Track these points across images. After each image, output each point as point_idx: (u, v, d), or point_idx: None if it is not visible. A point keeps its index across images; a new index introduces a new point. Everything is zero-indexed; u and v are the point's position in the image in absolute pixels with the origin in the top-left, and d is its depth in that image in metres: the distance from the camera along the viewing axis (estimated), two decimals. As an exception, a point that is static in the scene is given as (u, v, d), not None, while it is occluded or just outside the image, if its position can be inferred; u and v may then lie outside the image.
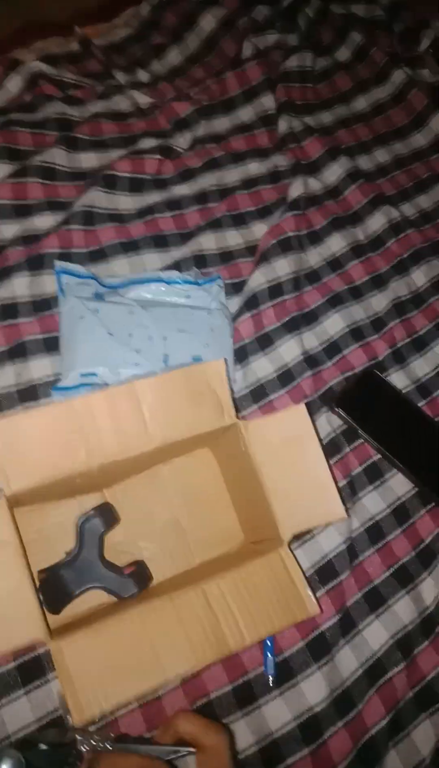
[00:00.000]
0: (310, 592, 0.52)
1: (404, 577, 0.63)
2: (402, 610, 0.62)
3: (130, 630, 0.48)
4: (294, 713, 0.56)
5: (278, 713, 0.56)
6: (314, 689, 0.57)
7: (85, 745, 0.48)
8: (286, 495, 0.54)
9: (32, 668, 0.53)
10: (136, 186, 0.80)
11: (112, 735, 0.50)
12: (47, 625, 0.47)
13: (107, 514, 0.55)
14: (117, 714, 0.53)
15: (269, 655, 0.57)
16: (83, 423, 0.50)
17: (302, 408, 0.58)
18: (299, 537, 0.63)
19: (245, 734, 0.55)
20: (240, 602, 0.50)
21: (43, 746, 0.47)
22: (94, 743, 0.48)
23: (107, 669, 0.46)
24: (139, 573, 0.55)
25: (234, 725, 0.55)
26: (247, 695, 0.56)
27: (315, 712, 0.56)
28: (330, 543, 0.63)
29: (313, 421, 0.68)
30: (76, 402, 0.50)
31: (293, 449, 0.56)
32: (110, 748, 0.48)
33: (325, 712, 0.56)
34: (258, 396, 0.70)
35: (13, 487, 0.47)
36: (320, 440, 0.56)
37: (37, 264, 0.70)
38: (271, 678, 0.57)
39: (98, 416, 0.50)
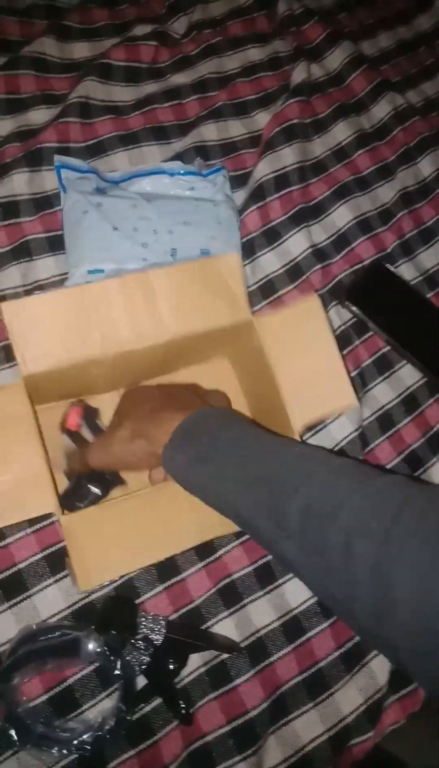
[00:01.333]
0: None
1: (414, 462, 0.65)
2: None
3: (140, 507, 0.49)
4: (313, 590, 0.58)
5: (297, 590, 0.58)
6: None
7: (143, 628, 0.51)
8: (298, 387, 0.54)
9: (59, 558, 0.54)
10: (132, 75, 0.76)
11: (167, 618, 0.53)
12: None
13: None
14: (143, 597, 0.55)
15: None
16: (98, 308, 0.50)
17: (314, 299, 0.57)
18: (312, 427, 0.64)
19: (268, 611, 0.57)
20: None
21: (113, 631, 0.50)
22: (152, 626, 0.51)
23: (115, 541, 0.48)
24: None
25: (256, 603, 0.57)
26: (267, 575, 0.58)
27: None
28: (342, 432, 0.64)
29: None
30: (91, 287, 0.49)
31: (305, 341, 0.56)
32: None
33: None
34: (267, 292, 0.69)
35: (30, 368, 0.48)
36: (333, 331, 0.56)
37: (35, 160, 0.68)
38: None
39: (113, 302, 0.50)
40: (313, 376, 0.55)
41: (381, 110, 0.83)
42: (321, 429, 0.64)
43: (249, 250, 0.70)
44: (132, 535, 0.48)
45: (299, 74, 0.80)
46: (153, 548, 0.48)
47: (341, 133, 0.80)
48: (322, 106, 0.82)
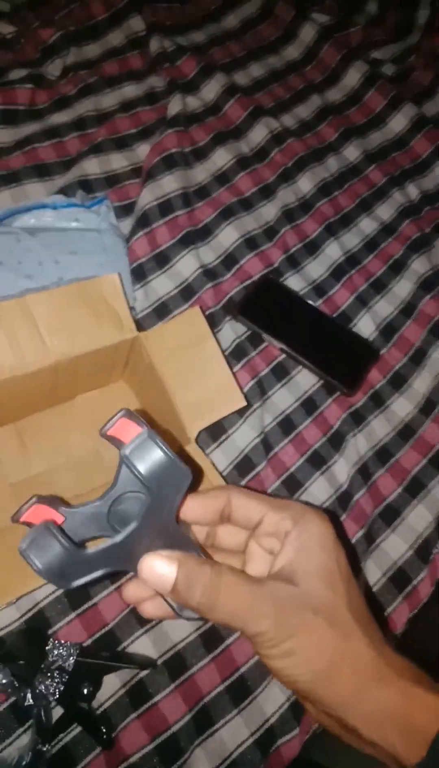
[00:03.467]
0: (220, 479, 0.54)
1: (317, 461, 0.67)
2: (318, 490, 0.65)
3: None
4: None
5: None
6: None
7: (53, 656, 0.50)
8: (190, 395, 0.56)
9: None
10: (9, 118, 0.78)
11: (80, 645, 0.52)
12: None
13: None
14: (55, 627, 0.54)
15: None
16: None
17: (196, 310, 0.59)
18: (216, 438, 0.65)
19: (184, 624, 0.57)
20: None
21: (20, 661, 0.49)
22: (64, 653, 0.50)
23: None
24: None
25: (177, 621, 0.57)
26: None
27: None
28: (245, 439, 0.65)
29: (217, 330, 0.70)
30: (-36, 317, 0.49)
31: (192, 350, 0.58)
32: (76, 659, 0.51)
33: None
34: (162, 313, 0.71)
35: None
36: (216, 338, 0.58)
37: None
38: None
39: (-12, 331, 0.50)
40: (203, 384, 0.57)
41: (258, 135, 0.87)
42: (225, 440, 0.65)
43: (140, 275, 0.72)
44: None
45: (174, 106, 0.83)
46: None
47: (221, 158, 0.84)
48: (201, 134, 0.85)
